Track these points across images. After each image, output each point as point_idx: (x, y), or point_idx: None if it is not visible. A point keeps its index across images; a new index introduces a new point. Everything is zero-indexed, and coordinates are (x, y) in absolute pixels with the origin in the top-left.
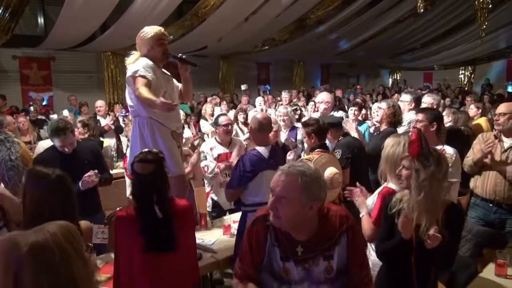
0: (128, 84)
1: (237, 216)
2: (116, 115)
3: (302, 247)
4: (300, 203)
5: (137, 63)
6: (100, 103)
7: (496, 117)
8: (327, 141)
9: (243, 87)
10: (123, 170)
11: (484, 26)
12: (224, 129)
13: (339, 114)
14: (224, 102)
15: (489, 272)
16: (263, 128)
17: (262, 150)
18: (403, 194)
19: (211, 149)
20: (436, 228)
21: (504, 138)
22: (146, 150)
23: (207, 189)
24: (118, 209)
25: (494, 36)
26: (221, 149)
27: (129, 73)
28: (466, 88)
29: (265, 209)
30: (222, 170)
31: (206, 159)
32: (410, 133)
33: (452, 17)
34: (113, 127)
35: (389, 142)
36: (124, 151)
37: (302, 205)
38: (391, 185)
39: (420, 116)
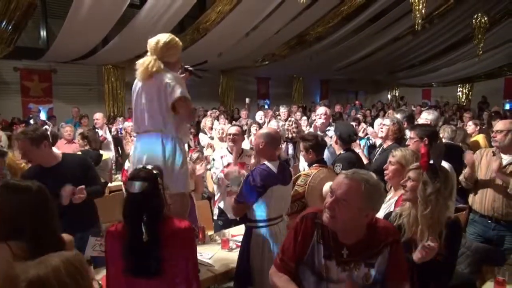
0: (169, 99)
1: (235, 230)
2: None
3: (348, 250)
4: (359, 209)
5: (178, 81)
6: (97, 116)
7: (493, 134)
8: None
9: (247, 100)
10: (122, 183)
11: (482, 45)
12: (229, 138)
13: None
14: (222, 116)
15: None
16: (274, 143)
17: (271, 165)
18: (402, 208)
19: (221, 157)
20: (433, 239)
21: (502, 155)
22: (140, 166)
23: (216, 196)
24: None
25: (491, 54)
26: (231, 159)
27: (177, 93)
28: (464, 105)
29: (316, 208)
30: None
31: (214, 166)
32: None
33: (450, 35)
34: (111, 139)
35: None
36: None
37: (360, 211)
38: None
39: (411, 134)
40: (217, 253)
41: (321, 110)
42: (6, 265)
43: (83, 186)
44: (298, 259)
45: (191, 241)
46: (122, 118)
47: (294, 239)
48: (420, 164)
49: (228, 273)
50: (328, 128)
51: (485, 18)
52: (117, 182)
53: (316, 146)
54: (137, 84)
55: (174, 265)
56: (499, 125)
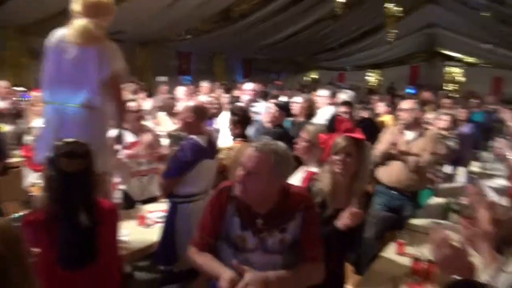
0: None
1: (152, 206)
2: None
3: (262, 219)
4: (270, 180)
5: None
6: (1, 83)
7: (399, 113)
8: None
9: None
10: (21, 159)
11: (394, 31)
12: (135, 116)
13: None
14: (145, 93)
15: (390, 251)
16: (202, 116)
17: (199, 139)
18: (321, 180)
19: None
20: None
21: (406, 132)
22: (70, 140)
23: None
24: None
25: (401, 42)
26: (130, 137)
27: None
28: (374, 90)
29: (231, 181)
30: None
31: None
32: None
33: (366, 21)
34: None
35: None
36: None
37: (271, 182)
38: (314, 168)
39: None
40: (132, 230)
41: (248, 85)
42: None
43: None
44: (216, 234)
45: (118, 222)
46: (22, 88)
47: (211, 213)
48: (349, 137)
49: (145, 250)
50: (253, 104)
51: (399, 9)
52: (15, 158)
53: (243, 119)
54: (64, 47)
55: (108, 248)
56: (404, 104)
